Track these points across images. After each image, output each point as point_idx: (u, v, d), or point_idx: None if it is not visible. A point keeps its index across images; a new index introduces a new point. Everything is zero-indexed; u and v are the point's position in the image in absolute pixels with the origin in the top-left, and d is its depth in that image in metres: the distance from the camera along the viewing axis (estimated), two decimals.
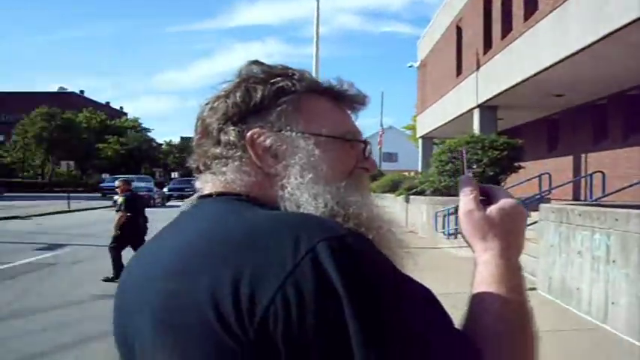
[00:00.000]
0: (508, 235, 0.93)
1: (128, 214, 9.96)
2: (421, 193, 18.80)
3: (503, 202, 0.95)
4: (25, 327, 6.76)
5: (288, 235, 0.74)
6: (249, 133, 0.93)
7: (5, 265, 11.43)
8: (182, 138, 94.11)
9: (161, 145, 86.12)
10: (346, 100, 1.03)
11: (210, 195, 0.95)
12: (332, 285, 0.69)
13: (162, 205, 36.04)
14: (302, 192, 0.88)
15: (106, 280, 9.40)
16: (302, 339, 0.68)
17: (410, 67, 33.29)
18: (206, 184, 0.98)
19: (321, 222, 0.80)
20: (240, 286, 0.71)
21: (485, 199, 0.97)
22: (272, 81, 0.95)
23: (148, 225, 10.18)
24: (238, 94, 0.95)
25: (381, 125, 51.59)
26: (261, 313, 0.69)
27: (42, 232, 17.89)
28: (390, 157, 60.89)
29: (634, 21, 9.76)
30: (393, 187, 23.01)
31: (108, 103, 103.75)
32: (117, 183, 10.73)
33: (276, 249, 0.73)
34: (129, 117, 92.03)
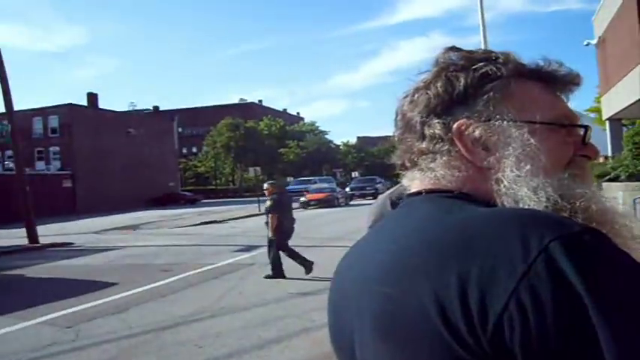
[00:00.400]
0: None
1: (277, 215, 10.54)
2: (615, 179, 17.48)
3: None
4: (232, 323, 7.30)
5: (514, 234, 0.67)
6: (455, 125, 0.87)
7: (210, 266, 12.52)
8: (358, 138, 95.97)
9: (339, 146, 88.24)
10: (557, 81, 0.94)
11: (419, 193, 0.91)
12: (572, 288, 0.62)
13: (346, 205, 36.99)
14: (520, 186, 0.81)
15: (267, 277, 10.25)
16: (543, 348, 0.61)
17: (587, 45, 30.96)
18: (413, 181, 0.94)
19: (550, 218, 0.72)
20: (467, 291, 0.65)
21: None
22: (474, 67, 0.89)
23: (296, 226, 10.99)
24: (439, 84, 0.89)
25: None
26: (494, 320, 0.63)
27: (237, 235, 19.22)
28: None
29: None
30: None
31: (285, 110, 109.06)
32: (265, 186, 11.23)
33: (503, 250, 0.66)
34: (306, 122, 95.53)
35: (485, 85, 0.88)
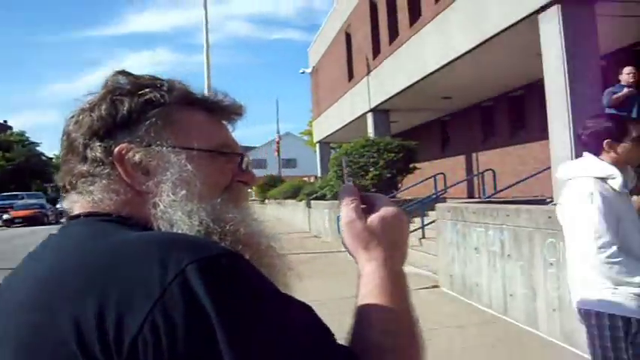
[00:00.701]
0: (391, 244, 0.90)
1: None
2: (322, 197, 18.97)
3: (384, 211, 0.91)
4: None
5: (155, 258, 0.69)
6: (116, 149, 0.87)
7: None
8: None
9: (51, 158, 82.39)
10: (221, 110, 0.99)
11: (78, 216, 0.89)
12: (203, 310, 0.65)
13: (57, 222, 34.58)
14: (175, 210, 0.84)
15: None
16: None
17: (302, 73, 33.42)
18: (75, 204, 0.92)
19: (192, 242, 0.76)
20: (105, 317, 0.66)
21: (366, 207, 0.94)
22: (139, 93, 0.90)
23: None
24: (104, 107, 0.89)
25: (278, 132, 51.35)
26: (129, 342, 0.64)
27: None
28: (289, 163, 61.31)
29: (511, 26, 10.15)
30: (294, 193, 23.12)
31: None
32: None
33: (143, 274, 0.68)
34: (14, 131, 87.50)
35: (148, 111, 0.90)
